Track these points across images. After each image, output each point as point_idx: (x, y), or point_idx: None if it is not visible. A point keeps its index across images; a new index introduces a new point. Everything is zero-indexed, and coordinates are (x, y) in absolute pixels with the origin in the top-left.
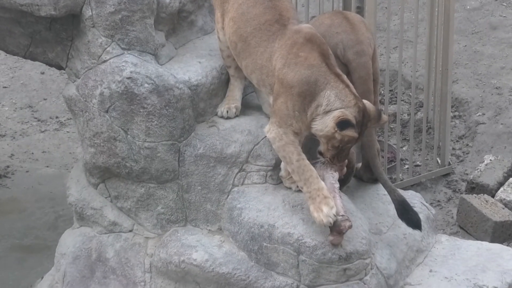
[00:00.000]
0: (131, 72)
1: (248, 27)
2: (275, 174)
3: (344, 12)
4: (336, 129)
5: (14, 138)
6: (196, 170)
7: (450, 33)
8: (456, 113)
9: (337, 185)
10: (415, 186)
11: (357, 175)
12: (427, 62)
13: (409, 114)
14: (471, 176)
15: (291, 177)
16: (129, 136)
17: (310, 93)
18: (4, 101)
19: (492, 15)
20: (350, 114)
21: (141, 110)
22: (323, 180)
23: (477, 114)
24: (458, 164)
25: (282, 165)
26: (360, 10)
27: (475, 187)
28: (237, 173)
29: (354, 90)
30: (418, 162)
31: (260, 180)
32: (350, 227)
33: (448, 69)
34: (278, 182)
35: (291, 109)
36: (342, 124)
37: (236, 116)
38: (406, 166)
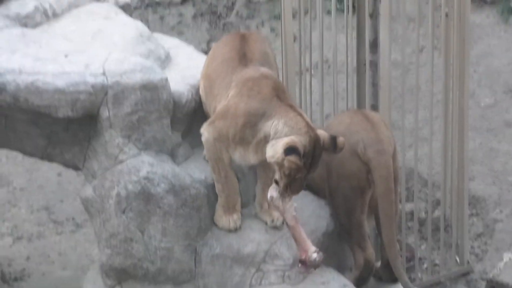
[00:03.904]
0: (147, 172)
1: (214, 63)
2: (292, 274)
3: (363, 110)
4: (284, 155)
5: (30, 240)
6: (213, 270)
7: (465, 131)
8: (474, 211)
9: (298, 216)
10: (434, 285)
11: (376, 275)
12: (443, 159)
13: (426, 212)
14: (491, 274)
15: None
16: (145, 236)
17: (255, 123)
18: (21, 203)
19: (506, 112)
20: (300, 141)
21: (158, 210)
22: (284, 213)
23: (495, 212)
24: (477, 263)
25: (257, 200)
26: (374, 108)
27: (494, 286)
28: (254, 273)
29: (308, 119)
30: (436, 261)
31: (277, 280)
32: (321, 258)
33: (464, 167)
34: (296, 282)
35: (231, 136)
36: (289, 150)
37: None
38: (425, 265)
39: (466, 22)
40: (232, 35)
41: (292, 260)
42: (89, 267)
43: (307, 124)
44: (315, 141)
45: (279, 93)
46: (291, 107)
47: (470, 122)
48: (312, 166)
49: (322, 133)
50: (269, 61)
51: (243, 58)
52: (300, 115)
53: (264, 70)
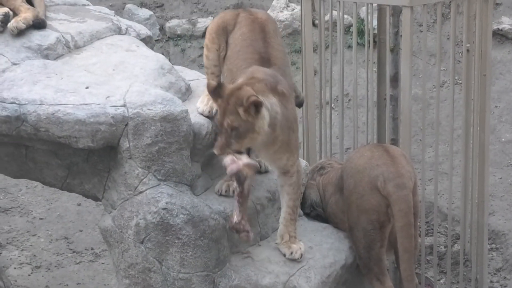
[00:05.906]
0: (166, 203)
1: (238, 61)
2: None
3: (384, 145)
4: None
5: (49, 269)
6: None
7: (486, 165)
8: (493, 246)
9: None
10: None
11: None
12: (463, 194)
13: (445, 246)
14: None
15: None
16: (163, 267)
17: None
18: (40, 232)
19: None
20: (225, 84)
21: (176, 241)
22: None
23: None
24: None
25: (279, 231)
26: (394, 142)
27: None
28: None
29: (257, 87)
30: None
31: None
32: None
33: (484, 201)
34: None
35: None
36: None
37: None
38: None
39: (487, 58)
40: (251, 26)
41: None
42: None
43: (246, 83)
44: (232, 92)
45: (271, 85)
46: (259, 77)
47: (490, 157)
48: (226, 114)
49: (246, 90)
50: (286, 59)
51: (265, 63)
52: (258, 81)
53: (271, 71)
